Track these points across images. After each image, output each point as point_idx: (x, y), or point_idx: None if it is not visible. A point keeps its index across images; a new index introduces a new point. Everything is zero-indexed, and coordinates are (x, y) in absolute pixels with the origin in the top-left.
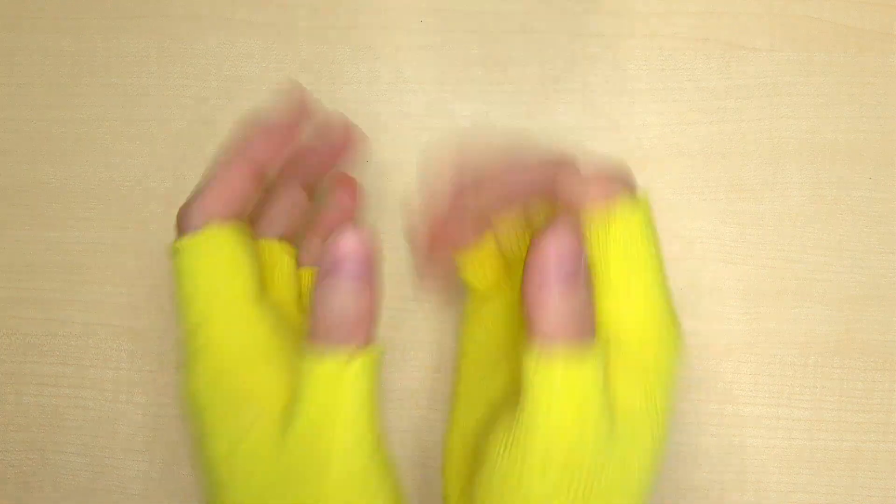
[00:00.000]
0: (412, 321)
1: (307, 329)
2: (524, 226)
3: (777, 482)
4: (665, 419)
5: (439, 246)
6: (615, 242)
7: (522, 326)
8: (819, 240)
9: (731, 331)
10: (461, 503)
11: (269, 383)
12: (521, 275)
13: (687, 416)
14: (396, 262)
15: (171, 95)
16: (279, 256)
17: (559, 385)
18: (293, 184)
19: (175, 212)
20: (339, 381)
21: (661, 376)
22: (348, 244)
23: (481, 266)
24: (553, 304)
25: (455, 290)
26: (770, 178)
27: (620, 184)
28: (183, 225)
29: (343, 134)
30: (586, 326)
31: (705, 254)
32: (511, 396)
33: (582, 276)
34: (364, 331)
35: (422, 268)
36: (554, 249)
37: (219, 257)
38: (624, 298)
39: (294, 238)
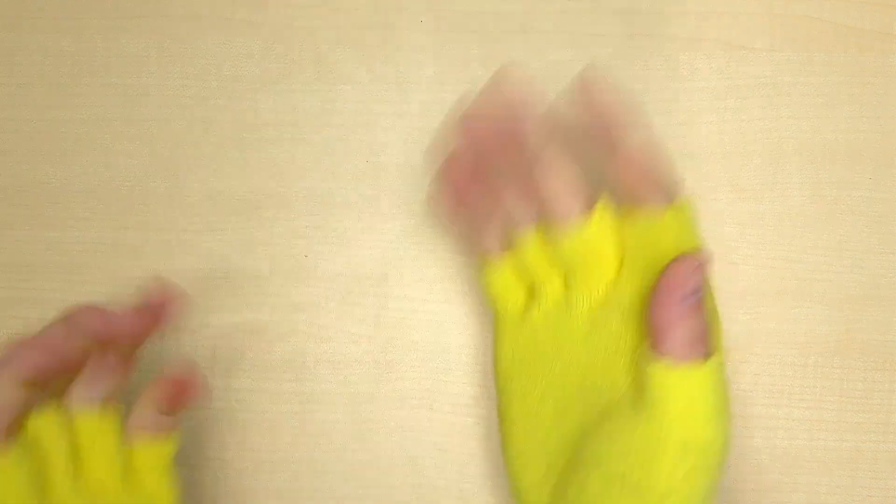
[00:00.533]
0: (413, 321)
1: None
2: (548, 254)
3: (777, 482)
4: None
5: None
6: (667, 241)
7: (559, 344)
8: (819, 240)
9: (731, 331)
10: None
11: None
12: (548, 295)
13: None
14: (397, 261)
15: (171, 95)
16: (98, 433)
17: (694, 387)
18: (107, 352)
19: (175, 211)
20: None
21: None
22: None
23: (507, 284)
24: (680, 325)
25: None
26: (770, 178)
27: (666, 193)
28: None
29: (158, 308)
30: (709, 339)
31: None
32: (608, 404)
33: (702, 302)
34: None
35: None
36: (683, 276)
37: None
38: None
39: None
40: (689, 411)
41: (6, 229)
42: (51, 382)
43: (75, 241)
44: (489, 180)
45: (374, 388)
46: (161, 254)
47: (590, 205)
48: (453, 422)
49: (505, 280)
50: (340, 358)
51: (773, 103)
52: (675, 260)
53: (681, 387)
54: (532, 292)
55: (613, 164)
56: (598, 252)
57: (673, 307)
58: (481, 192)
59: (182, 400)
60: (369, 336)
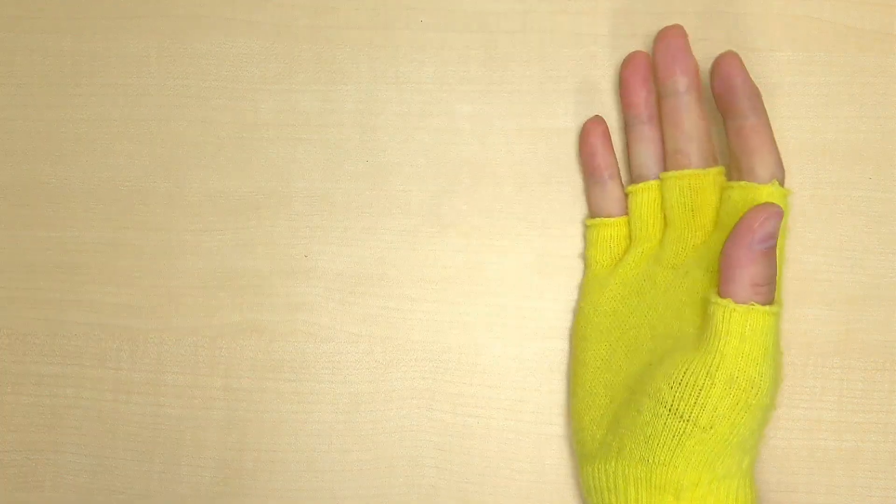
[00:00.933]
0: (412, 321)
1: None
2: (658, 209)
3: (777, 482)
4: None
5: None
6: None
7: (643, 294)
8: (819, 240)
9: None
10: (606, 444)
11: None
12: (644, 252)
13: None
14: (397, 261)
15: (171, 95)
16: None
17: (749, 328)
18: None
19: (175, 211)
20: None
21: None
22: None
23: (610, 243)
24: (747, 268)
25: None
26: None
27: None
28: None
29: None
30: (772, 289)
31: None
32: (673, 344)
33: (772, 250)
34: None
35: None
36: (756, 222)
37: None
38: None
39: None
40: (740, 349)
41: (6, 229)
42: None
43: (75, 241)
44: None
45: (374, 388)
46: (161, 254)
47: (710, 162)
48: (453, 422)
49: (608, 240)
50: (340, 358)
51: (773, 103)
52: (752, 208)
53: (737, 326)
54: (628, 252)
55: (731, 135)
56: (703, 203)
57: (743, 250)
58: (610, 157)
59: None
60: (369, 336)
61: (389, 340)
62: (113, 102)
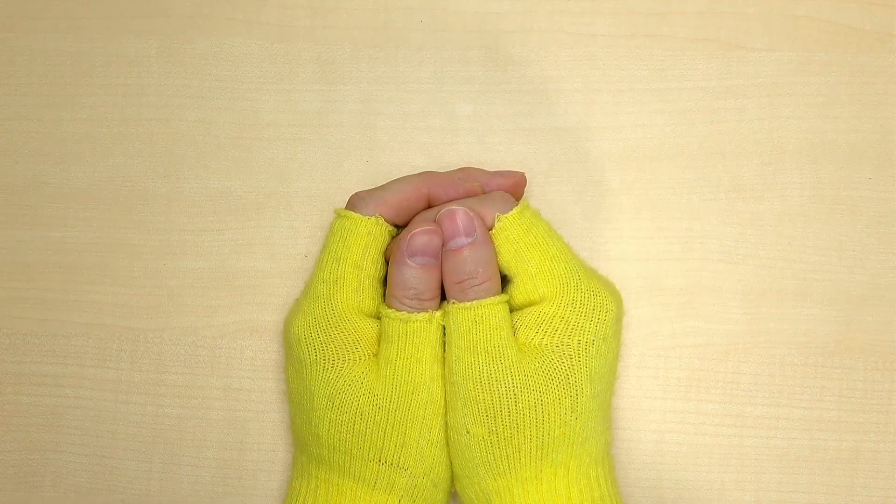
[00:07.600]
0: None
1: (391, 295)
2: None
3: (777, 482)
4: (582, 356)
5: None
6: (515, 239)
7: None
8: (819, 240)
9: (731, 331)
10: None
11: (367, 332)
12: None
13: (687, 416)
14: None
15: (171, 95)
16: (385, 234)
17: (469, 318)
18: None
19: (175, 211)
20: (423, 333)
21: (570, 323)
22: (420, 239)
23: None
24: (456, 263)
25: None
26: (770, 178)
27: (507, 203)
28: (355, 203)
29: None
30: (483, 282)
31: (705, 254)
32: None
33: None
34: (435, 300)
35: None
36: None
37: (367, 242)
38: (534, 277)
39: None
40: (471, 335)
41: (6, 229)
42: None
43: (75, 241)
44: None
45: None
46: (161, 254)
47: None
48: None
49: None
50: None
51: (773, 103)
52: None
53: (461, 317)
54: None
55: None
56: None
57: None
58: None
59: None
60: None
61: None
62: (113, 102)
